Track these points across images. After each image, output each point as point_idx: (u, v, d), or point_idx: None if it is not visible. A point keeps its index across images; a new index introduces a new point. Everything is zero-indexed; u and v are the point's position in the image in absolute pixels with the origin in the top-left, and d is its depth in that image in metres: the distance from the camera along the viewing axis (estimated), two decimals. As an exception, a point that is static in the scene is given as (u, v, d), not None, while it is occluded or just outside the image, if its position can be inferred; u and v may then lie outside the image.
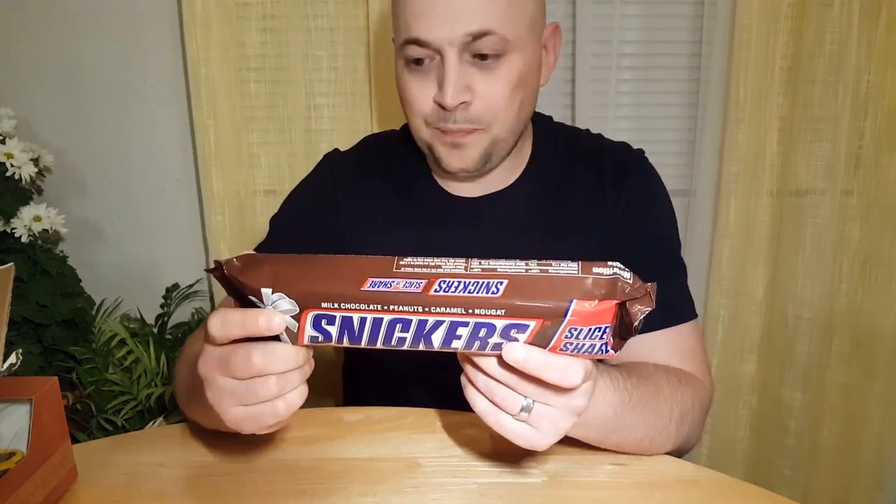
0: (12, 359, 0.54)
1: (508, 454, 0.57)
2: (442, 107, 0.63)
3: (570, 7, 1.21)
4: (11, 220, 1.11)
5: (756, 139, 1.23)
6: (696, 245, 1.29)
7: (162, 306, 1.32)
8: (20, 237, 1.11)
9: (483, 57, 0.62)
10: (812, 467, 1.36)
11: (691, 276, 0.73)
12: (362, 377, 0.86)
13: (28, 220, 1.11)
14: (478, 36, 0.61)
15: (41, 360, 1.13)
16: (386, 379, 0.78)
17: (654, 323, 0.67)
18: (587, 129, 0.80)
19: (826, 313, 1.29)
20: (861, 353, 1.30)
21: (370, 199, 0.77)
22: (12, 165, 1.11)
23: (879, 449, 1.31)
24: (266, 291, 0.41)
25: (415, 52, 0.63)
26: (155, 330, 1.30)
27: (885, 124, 1.21)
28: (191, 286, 1.34)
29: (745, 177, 1.25)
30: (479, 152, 0.67)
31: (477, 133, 0.65)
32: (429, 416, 0.64)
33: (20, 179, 1.12)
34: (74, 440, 0.55)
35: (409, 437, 0.61)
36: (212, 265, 0.43)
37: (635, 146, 0.77)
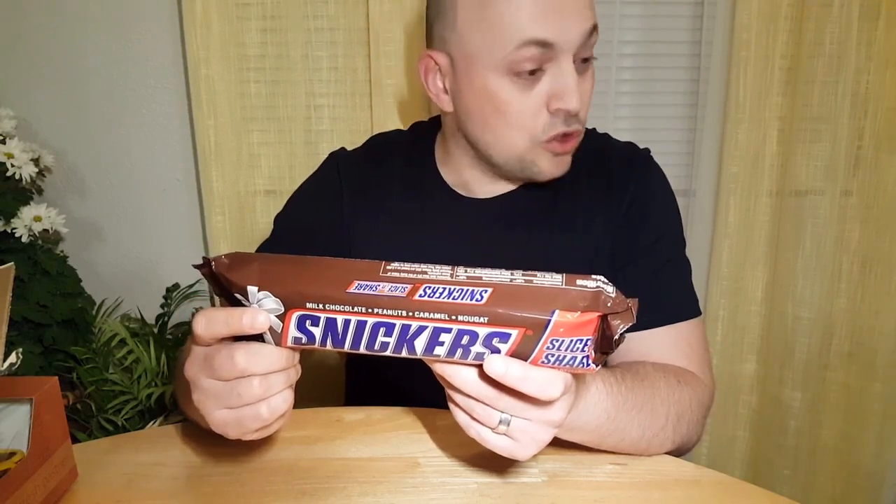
0: (12, 358, 0.54)
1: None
2: (566, 113, 0.63)
3: (570, 7, 1.21)
4: (11, 220, 1.11)
5: (756, 139, 1.23)
6: (695, 245, 1.29)
7: (162, 306, 1.32)
8: (20, 237, 1.11)
9: (584, 61, 0.63)
10: (812, 467, 1.36)
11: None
12: (365, 376, 0.86)
13: (28, 220, 1.11)
14: (591, 32, 0.61)
15: (41, 360, 1.13)
16: (388, 378, 0.78)
17: (655, 320, 0.67)
18: (593, 129, 0.80)
19: (826, 313, 1.29)
20: (861, 353, 1.30)
21: (376, 198, 0.76)
22: (12, 165, 1.11)
23: (879, 449, 1.31)
24: (252, 289, 0.41)
25: (531, 58, 0.60)
26: (155, 330, 1.30)
27: (885, 124, 1.21)
28: (191, 286, 1.34)
29: (745, 177, 1.25)
30: (572, 155, 0.69)
31: (578, 135, 0.67)
32: (429, 416, 0.64)
33: (20, 179, 1.12)
34: (75, 440, 0.55)
35: (409, 437, 0.61)
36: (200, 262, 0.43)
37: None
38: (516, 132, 0.65)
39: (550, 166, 0.67)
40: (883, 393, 1.29)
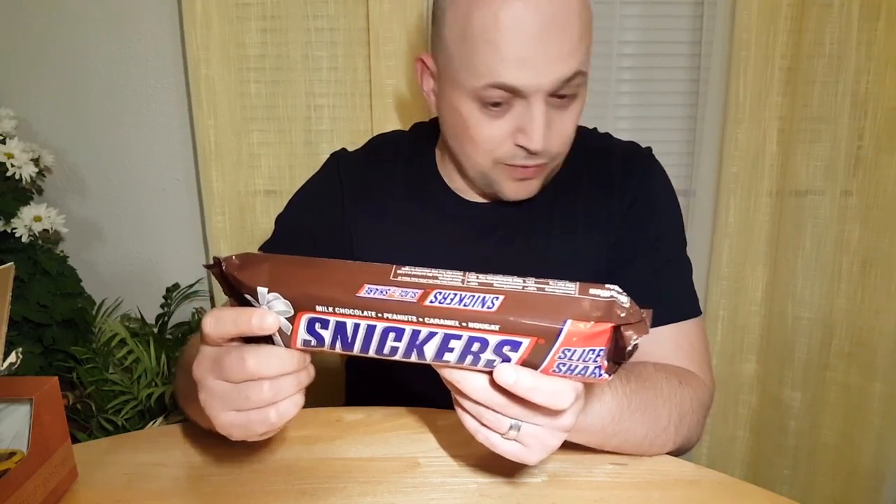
0: (12, 358, 0.54)
1: (508, 454, 0.57)
2: (528, 151, 0.63)
3: (570, 7, 1.21)
4: (11, 220, 1.11)
5: (756, 139, 1.23)
6: (695, 245, 1.29)
7: (162, 306, 1.32)
8: (20, 237, 1.11)
9: (562, 97, 0.62)
10: (812, 467, 1.36)
11: (691, 276, 0.74)
12: (365, 376, 0.86)
13: (28, 220, 1.11)
14: (570, 78, 0.60)
15: (41, 360, 1.13)
16: (389, 377, 0.78)
17: (656, 319, 0.67)
18: (594, 128, 0.80)
19: (826, 313, 1.29)
20: (861, 353, 1.30)
21: (377, 200, 0.76)
22: (12, 165, 1.11)
23: (879, 449, 1.31)
24: (262, 290, 0.41)
25: (495, 95, 0.61)
26: (155, 330, 1.30)
27: (885, 124, 1.21)
28: (191, 286, 1.34)
29: (745, 177, 1.25)
30: (541, 182, 0.69)
31: (544, 167, 0.67)
32: (429, 416, 0.64)
33: (20, 179, 1.12)
34: (75, 440, 0.55)
35: (409, 437, 0.61)
36: (211, 262, 0.43)
37: (638, 146, 0.78)
38: (480, 154, 0.66)
39: (512, 189, 0.68)
40: (883, 393, 1.29)
